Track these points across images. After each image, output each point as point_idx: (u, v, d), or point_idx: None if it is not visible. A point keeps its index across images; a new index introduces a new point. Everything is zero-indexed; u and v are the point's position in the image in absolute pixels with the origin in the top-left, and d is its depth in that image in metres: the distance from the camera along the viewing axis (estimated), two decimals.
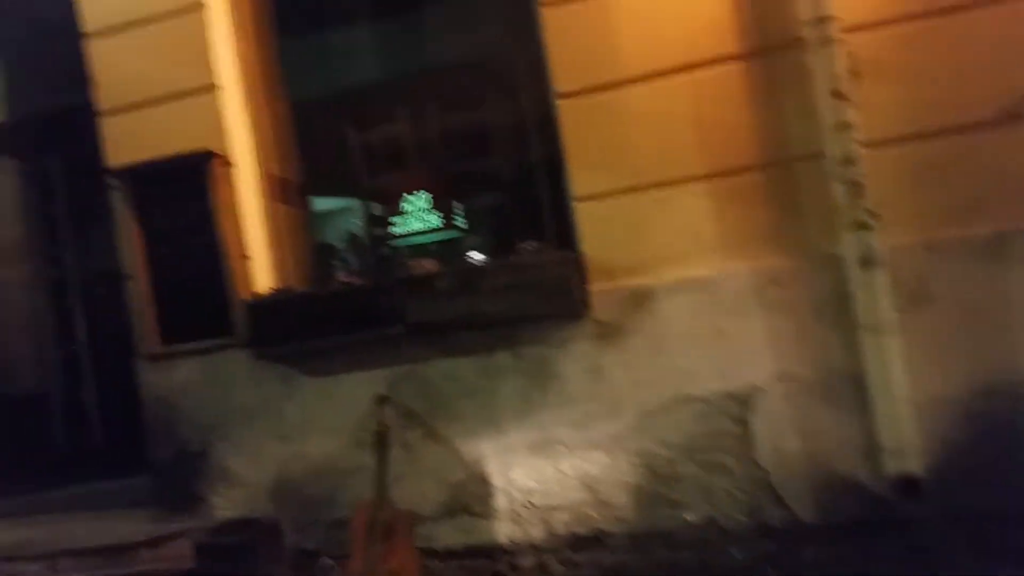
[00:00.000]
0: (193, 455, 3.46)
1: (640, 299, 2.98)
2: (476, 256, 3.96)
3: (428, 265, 3.42)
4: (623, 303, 2.99)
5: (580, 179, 3.07)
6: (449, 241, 4.05)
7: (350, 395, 3.30)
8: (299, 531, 3.35)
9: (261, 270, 3.54)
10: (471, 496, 3.16)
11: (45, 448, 4.27)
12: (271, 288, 3.51)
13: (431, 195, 3.88)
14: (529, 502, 3.10)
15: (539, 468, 3.08)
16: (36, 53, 4.46)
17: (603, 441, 3.01)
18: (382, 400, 3.21)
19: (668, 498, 2.95)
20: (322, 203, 3.93)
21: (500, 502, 3.13)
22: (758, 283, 2.90)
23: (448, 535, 3.18)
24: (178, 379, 3.48)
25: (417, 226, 4.01)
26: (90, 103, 3.63)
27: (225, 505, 3.43)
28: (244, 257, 3.47)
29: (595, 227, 3.04)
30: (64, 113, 4.10)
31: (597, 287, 3.01)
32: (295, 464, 3.37)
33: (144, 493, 3.58)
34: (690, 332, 2.93)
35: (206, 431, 3.44)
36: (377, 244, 3.98)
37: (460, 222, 4.01)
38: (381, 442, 3.15)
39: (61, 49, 3.92)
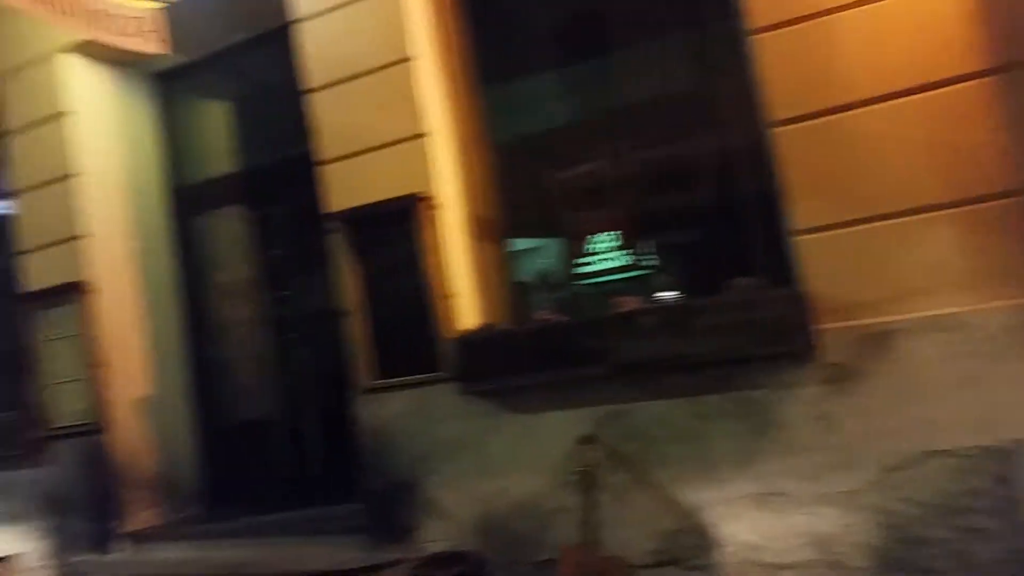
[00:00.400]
0: (403, 486, 3.56)
1: (878, 340, 2.72)
2: (668, 294, 3.83)
3: (633, 303, 3.35)
4: (857, 344, 2.75)
5: (802, 211, 2.89)
6: (642, 278, 3.96)
7: (553, 433, 3.27)
8: (505, 568, 3.34)
9: (465, 307, 3.62)
10: (686, 547, 3.01)
11: (267, 473, 4.60)
12: (475, 325, 3.59)
13: (626, 232, 3.82)
14: (753, 558, 2.89)
15: (762, 522, 2.88)
16: (260, 110, 4.93)
17: (836, 496, 2.76)
18: (587, 440, 3.16)
19: (916, 564, 2.65)
20: (519, 242, 3.99)
21: (719, 556, 2.95)
22: (1018, 322, 2.57)
23: None
24: (390, 412, 3.61)
25: (609, 264, 3.97)
26: (308, 153, 3.92)
27: (431, 537, 3.50)
28: (449, 295, 3.57)
29: (821, 262, 2.84)
30: (285, 163, 4.47)
31: (826, 326, 2.79)
32: (499, 500, 3.38)
33: (356, 521, 3.73)
34: (938, 377, 2.65)
35: (415, 463, 3.54)
36: (569, 281, 3.98)
37: (655, 259, 3.92)
38: (588, 483, 3.10)
39: (282, 105, 4.31)
